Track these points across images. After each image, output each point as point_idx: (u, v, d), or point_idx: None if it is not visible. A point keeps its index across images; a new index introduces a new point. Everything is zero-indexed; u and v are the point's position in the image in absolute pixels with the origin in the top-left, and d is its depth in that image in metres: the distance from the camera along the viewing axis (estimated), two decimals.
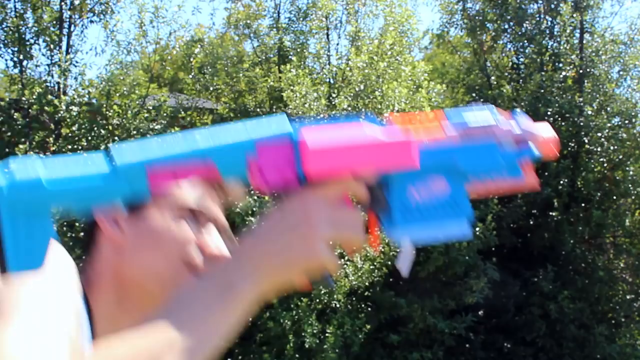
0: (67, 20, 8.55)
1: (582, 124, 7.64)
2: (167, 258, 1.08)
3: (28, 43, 8.47)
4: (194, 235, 1.11)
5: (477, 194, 0.95)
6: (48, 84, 8.37)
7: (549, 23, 8.28)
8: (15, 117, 8.23)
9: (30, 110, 8.25)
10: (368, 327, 5.82)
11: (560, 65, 8.06)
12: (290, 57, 9.58)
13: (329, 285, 0.83)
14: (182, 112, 9.59)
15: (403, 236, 0.88)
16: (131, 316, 1.10)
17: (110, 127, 8.21)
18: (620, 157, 7.87)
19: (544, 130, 0.93)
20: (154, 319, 0.76)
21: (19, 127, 8.23)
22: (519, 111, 0.93)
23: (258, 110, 8.68)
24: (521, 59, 8.47)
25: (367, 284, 6.77)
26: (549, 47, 8.19)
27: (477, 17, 8.30)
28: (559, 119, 7.74)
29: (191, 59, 9.82)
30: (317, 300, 5.87)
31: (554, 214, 7.65)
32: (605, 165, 7.92)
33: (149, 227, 1.11)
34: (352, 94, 8.11)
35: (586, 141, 7.78)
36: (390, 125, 0.85)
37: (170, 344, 0.74)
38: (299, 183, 0.83)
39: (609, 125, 7.84)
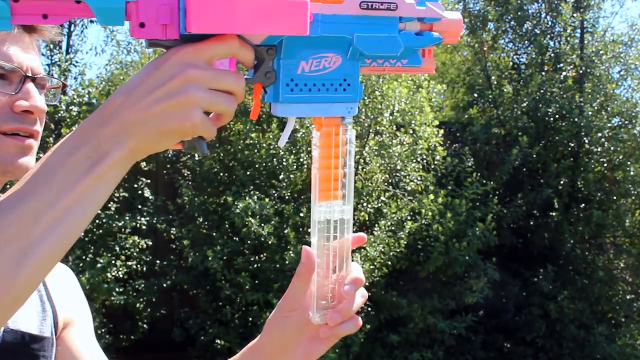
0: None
1: (582, 124, 7.63)
2: None
3: None
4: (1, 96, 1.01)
5: (371, 72, 0.91)
6: None
7: (550, 23, 8.28)
8: None
9: None
10: (368, 327, 5.81)
11: (561, 65, 8.05)
12: None
13: (201, 151, 0.79)
14: None
15: (287, 111, 0.83)
16: None
17: None
18: (621, 157, 7.86)
19: (451, 14, 0.90)
20: (9, 197, 0.70)
21: None
22: None
23: None
24: (522, 59, 8.46)
25: (367, 284, 6.77)
26: (549, 47, 8.18)
27: (478, 17, 8.28)
28: (559, 119, 7.73)
29: None
30: None
31: (554, 214, 7.64)
32: (605, 165, 7.91)
33: None
34: None
35: (586, 141, 7.77)
36: None
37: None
38: (180, 37, 0.73)
39: (609, 125, 7.82)
